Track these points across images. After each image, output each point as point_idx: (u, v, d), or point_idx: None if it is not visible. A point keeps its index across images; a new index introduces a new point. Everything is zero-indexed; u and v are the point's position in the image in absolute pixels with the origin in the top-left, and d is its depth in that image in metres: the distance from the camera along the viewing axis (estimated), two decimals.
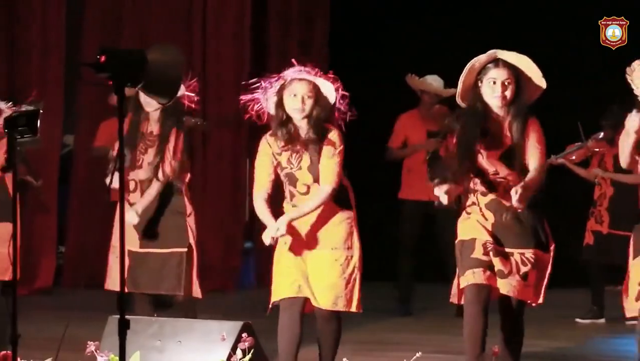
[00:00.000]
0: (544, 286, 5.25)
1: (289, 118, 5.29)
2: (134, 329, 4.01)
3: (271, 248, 5.47)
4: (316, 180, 5.29)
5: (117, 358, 4.30)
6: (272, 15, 10.56)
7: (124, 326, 3.85)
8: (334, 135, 5.30)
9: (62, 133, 9.86)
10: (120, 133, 4.00)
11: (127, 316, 3.85)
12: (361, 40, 10.57)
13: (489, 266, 5.12)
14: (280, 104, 5.29)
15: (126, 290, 5.95)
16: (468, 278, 5.11)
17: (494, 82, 5.12)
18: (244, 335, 5.27)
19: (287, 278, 5.32)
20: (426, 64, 8.92)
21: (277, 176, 5.37)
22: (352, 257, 5.35)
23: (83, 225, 9.90)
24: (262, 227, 5.30)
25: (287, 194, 5.41)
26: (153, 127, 6.12)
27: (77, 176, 10.01)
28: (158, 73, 3.95)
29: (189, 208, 6.11)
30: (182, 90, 6.03)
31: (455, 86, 5.18)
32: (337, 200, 5.34)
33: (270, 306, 5.37)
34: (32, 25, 9.42)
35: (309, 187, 5.33)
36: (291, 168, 5.32)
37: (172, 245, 6.03)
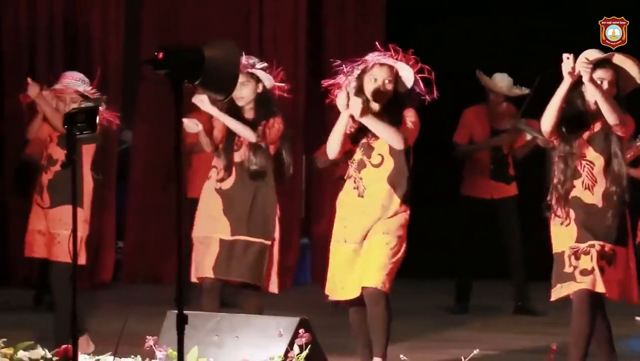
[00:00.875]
0: (635, 283, 5.27)
1: (369, 102, 5.36)
2: (192, 324, 4.03)
3: (327, 245, 5.52)
4: (391, 151, 5.36)
5: (176, 352, 4.34)
6: (326, 16, 10.51)
7: (182, 321, 3.88)
8: (410, 114, 5.38)
9: (120, 130, 9.93)
10: (178, 131, 4.03)
11: (185, 312, 3.89)
12: (418, 36, 10.52)
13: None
14: (361, 89, 5.38)
15: (214, 276, 5.98)
16: (560, 291, 5.21)
17: (601, 82, 5.24)
18: (301, 330, 5.27)
19: (342, 279, 5.41)
20: (486, 62, 8.86)
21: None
22: (401, 246, 5.39)
23: (141, 221, 9.98)
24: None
25: (354, 167, 5.42)
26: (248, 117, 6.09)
27: (135, 173, 10.09)
28: (215, 69, 3.97)
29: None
30: (270, 81, 6.07)
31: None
32: (402, 192, 5.39)
33: (329, 300, 5.50)
34: (91, 22, 9.52)
35: (383, 159, 5.38)
36: (368, 138, 5.40)
37: (258, 235, 6.02)
